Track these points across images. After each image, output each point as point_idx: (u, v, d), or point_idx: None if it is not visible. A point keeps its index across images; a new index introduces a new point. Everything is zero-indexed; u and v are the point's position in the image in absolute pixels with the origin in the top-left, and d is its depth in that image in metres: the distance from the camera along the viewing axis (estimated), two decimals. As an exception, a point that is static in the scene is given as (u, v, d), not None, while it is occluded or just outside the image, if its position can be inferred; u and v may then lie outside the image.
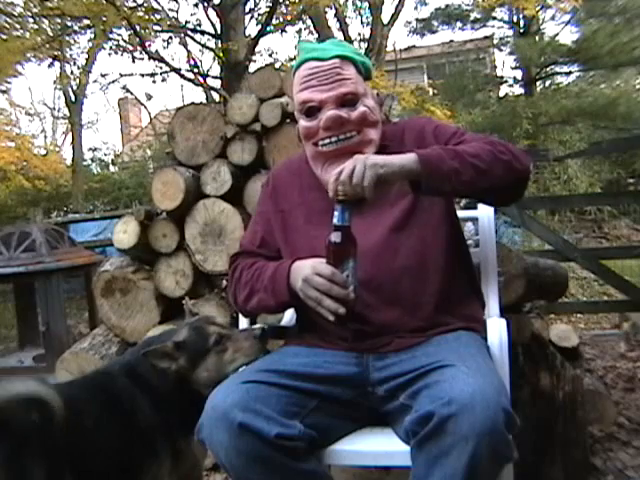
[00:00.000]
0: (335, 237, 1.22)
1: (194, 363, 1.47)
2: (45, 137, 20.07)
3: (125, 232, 2.31)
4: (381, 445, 1.26)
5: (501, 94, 12.42)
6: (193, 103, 2.43)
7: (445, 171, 1.24)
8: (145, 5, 7.98)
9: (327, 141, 1.40)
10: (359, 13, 12.02)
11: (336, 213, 1.22)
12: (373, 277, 1.34)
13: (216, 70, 10.92)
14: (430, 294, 1.36)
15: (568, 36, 12.32)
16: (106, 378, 1.52)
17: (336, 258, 1.23)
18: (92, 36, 8.86)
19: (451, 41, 13.44)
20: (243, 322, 1.65)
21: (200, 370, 1.47)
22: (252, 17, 9.60)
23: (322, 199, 1.41)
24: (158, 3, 8.51)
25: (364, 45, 10.70)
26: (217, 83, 9.55)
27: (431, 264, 1.37)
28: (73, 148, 14.18)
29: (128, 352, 1.72)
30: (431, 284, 1.36)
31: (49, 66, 10.20)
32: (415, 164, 1.23)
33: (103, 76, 12.98)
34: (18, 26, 7.81)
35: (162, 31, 8.81)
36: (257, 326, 1.53)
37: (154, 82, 10.07)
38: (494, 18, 12.00)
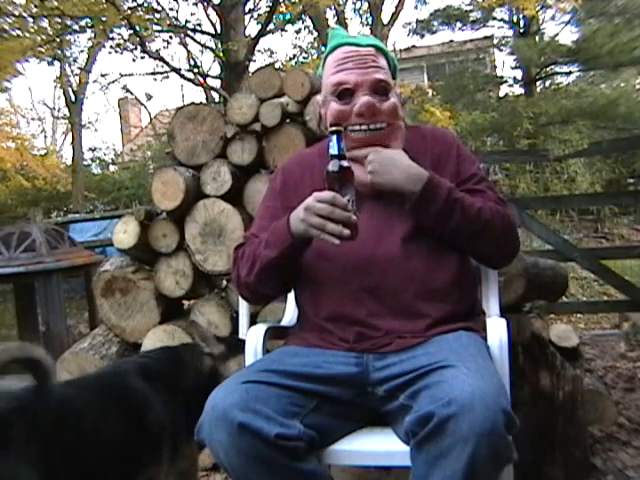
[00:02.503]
0: (332, 166, 1.26)
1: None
2: (45, 137, 20.11)
3: (125, 232, 2.31)
4: (381, 445, 1.25)
5: (501, 94, 12.42)
6: (193, 103, 2.43)
7: (451, 227, 1.35)
8: (145, 5, 7.99)
9: (357, 128, 1.40)
10: (359, 14, 12.04)
11: (331, 143, 1.27)
12: (379, 285, 1.34)
13: (216, 70, 10.95)
14: (434, 306, 1.35)
15: (568, 36, 12.36)
16: (118, 377, 1.51)
17: (335, 186, 1.26)
18: (92, 35, 8.86)
19: (451, 41, 13.47)
20: (243, 319, 1.65)
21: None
22: (252, 17, 9.61)
23: None
24: (158, 3, 8.52)
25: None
26: (217, 83, 9.57)
27: (438, 277, 1.37)
28: (73, 148, 14.17)
29: (141, 353, 1.76)
30: (437, 296, 1.36)
31: (49, 64, 10.21)
32: (423, 209, 1.34)
33: (103, 76, 12.97)
34: (18, 26, 7.81)
35: (162, 31, 8.83)
36: None
37: (155, 80, 10.10)
38: (494, 18, 12.01)
